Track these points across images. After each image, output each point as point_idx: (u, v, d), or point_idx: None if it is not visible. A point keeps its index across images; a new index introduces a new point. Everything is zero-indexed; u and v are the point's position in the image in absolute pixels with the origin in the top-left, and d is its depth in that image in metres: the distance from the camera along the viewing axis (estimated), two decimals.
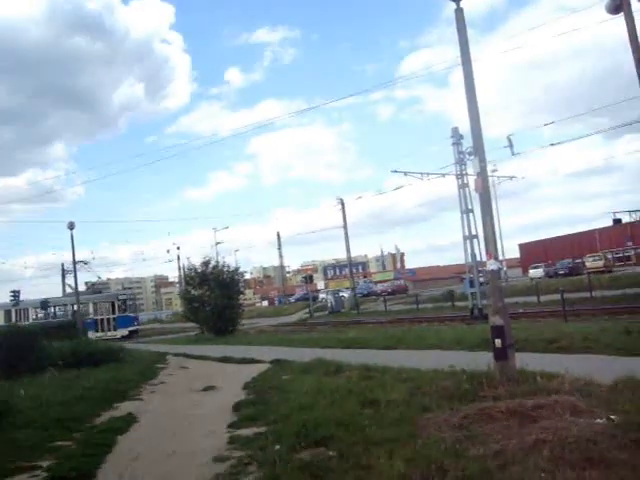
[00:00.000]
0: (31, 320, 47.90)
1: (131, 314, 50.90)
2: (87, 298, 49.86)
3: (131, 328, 48.98)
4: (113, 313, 49.07)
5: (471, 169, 31.20)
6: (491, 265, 10.64)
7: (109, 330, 47.95)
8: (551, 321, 22.57)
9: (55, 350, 20.83)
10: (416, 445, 6.86)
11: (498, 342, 10.08)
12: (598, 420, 6.74)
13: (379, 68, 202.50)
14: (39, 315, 50.75)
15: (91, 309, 49.62)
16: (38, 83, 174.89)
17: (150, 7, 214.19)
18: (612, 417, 6.76)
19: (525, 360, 10.43)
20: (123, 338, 44.71)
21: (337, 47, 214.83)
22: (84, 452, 8.93)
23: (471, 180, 31.82)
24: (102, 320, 48.91)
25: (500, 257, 10.88)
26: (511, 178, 36.71)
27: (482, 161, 10.70)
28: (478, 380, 9.83)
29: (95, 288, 56.87)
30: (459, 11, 10.93)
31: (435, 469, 5.88)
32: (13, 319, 47.99)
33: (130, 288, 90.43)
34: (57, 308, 51.87)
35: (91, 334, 43.60)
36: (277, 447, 7.66)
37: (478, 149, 10.75)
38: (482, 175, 10.70)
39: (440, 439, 6.97)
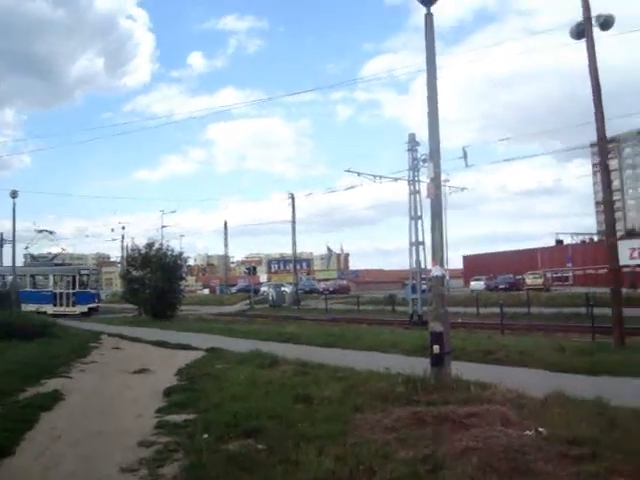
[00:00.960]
0: None
1: (92, 290, 47.90)
2: (47, 270, 48.65)
3: (91, 305, 45.93)
4: (73, 288, 45.85)
5: (424, 176, 31.63)
6: (436, 271, 10.67)
7: (67, 305, 45.24)
8: (489, 333, 22.81)
9: None
10: (346, 444, 6.80)
11: (436, 348, 10.10)
12: (527, 432, 6.78)
13: (342, 68, 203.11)
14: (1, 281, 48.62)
15: (51, 281, 47.28)
16: None
17: None
18: (540, 430, 6.82)
19: (461, 369, 10.47)
20: (82, 315, 42.73)
21: (303, 42, 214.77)
22: (4, 427, 8.57)
23: (423, 187, 32.24)
24: (61, 294, 45.93)
25: (445, 266, 10.89)
26: (462, 189, 37.35)
27: (437, 167, 10.70)
28: (413, 384, 9.81)
29: (57, 260, 52.80)
30: (429, 16, 10.91)
31: (363, 469, 5.84)
32: None
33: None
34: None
35: (49, 308, 42.68)
36: (205, 436, 7.52)
37: (434, 154, 10.74)
38: (435, 181, 10.71)
39: (371, 440, 6.94)
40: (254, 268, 76.51)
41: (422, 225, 32.19)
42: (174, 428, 8.41)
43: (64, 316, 39.53)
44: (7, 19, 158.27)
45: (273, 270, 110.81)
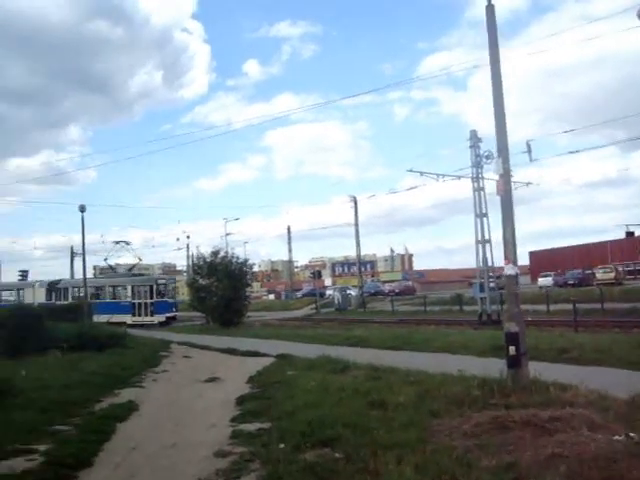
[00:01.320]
0: (70, 299, 46.55)
1: (170, 299, 47.49)
2: (125, 280, 48.53)
3: (169, 314, 45.50)
4: (151, 297, 45.51)
5: (487, 173, 31.11)
6: (509, 270, 10.38)
7: (146, 315, 45.04)
8: (561, 331, 22.17)
9: (60, 332, 20.70)
10: (426, 451, 6.60)
11: (512, 349, 9.83)
12: (617, 437, 6.46)
13: (397, 68, 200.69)
14: (79, 294, 48.16)
15: (129, 292, 46.93)
16: (57, 65, 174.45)
17: None
18: (632, 435, 6.48)
19: (535, 369, 10.15)
20: (160, 324, 42.86)
21: (356, 45, 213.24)
22: (82, 438, 8.75)
23: (487, 184, 31.65)
24: (139, 304, 45.69)
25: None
26: (527, 184, 36.24)
27: (505, 162, 10.43)
28: (489, 387, 9.56)
29: (134, 271, 53.54)
30: (490, 8, 10.65)
31: (446, 479, 5.64)
32: (53, 297, 47.69)
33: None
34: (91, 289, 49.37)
35: (128, 318, 43.52)
36: (281, 445, 7.42)
37: (502, 150, 10.48)
38: (505, 177, 10.43)
39: (451, 447, 6.72)
40: (319, 272, 76.52)
41: (488, 222, 31.65)
42: (249, 437, 8.36)
43: (142, 326, 40.61)
44: (69, 40, 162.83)
45: (337, 273, 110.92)
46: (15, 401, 11.04)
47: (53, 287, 49.92)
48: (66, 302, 45.30)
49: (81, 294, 46.16)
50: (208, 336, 29.49)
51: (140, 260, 55.56)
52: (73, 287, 49.39)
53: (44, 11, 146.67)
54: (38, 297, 48.43)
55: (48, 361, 17.02)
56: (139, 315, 45.17)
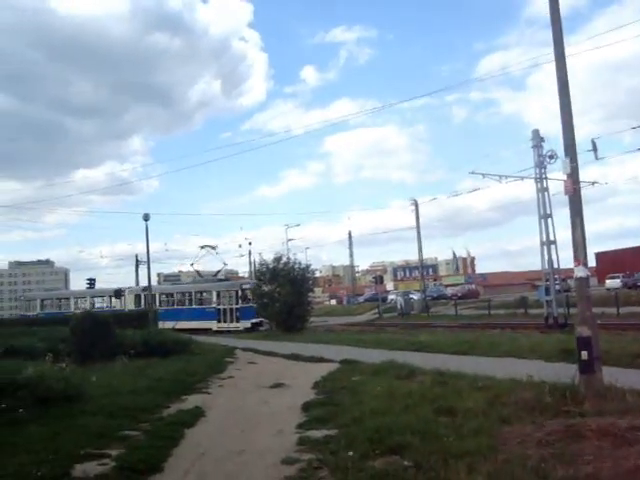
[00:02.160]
0: (158, 305, 46.79)
1: (255, 305, 44.32)
2: (210, 286, 47.40)
3: (254, 320, 42.99)
4: (236, 303, 43.89)
5: (551, 173, 30.44)
6: (579, 272, 10.08)
7: (232, 321, 43.85)
8: (633, 334, 21.47)
9: (127, 338, 21.08)
10: (498, 460, 6.44)
11: (584, 354, 9.54)
12: None
13: (454, 69, 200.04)
14: (167, 299, 49.41)
15: (214, 298, 45.62)
16: (119, 79, 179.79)
17: (229, 5, 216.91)
18: None
19: (609, 375, 9.82)
20: (246, 330, 41.47)
21: (412, 47, 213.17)
22: (152, 444, 8.88)
23: (551, 184, 30.96)
24: (224, 310, 44.49)
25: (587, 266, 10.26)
26: (593, 184, 35.11)
27: (573, 161, 10.16)
28: (561, 393, 9.30)
29: (220, 276, 51.66)
30: (554, 1, 10.37)
31: None
32: (142, 303, 47.50)
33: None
34: (178, 295, 50.02)
35: (213, 324, 43.75)
36: (350, 453, 7.34)
37: (569, 149, 10.22)
38: (573, 176, 10.15)
39: (524, 456, 6.54)
40: (381, 277, 76.10)
41: (552, 223, 30.97)
42: (316, 444, 8.31)
43: (228, 332, 40.71)
44: (130, 53, 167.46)
45: (399, 278, 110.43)
46: (86, 407, 11.27)
47: (142, 293, 49.83)
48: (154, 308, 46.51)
49: (169, 299, 48.66)
50: (272, 342, 29.61)
51: (225, 265, 54.68)
52: (161, 293, 49.59)
53: (105, 26, 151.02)
54: (128, 303, 49.23)
55: (116, 367, 17.31)
56: (224, 321, 44.38)
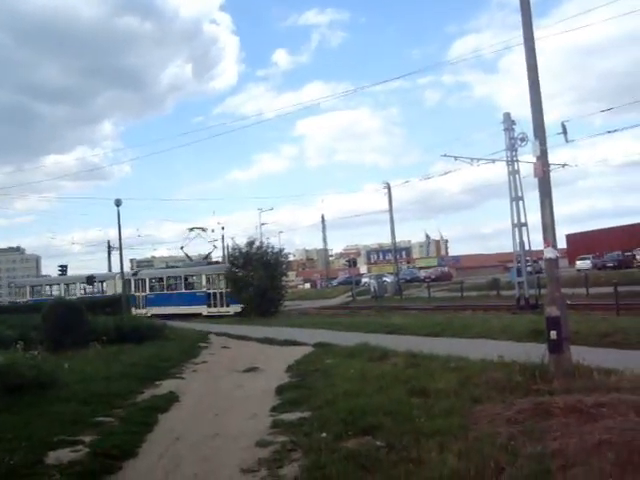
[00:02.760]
0: (148, 290, 46.92)
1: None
2: (200, 270, 45.57)
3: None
4: (226, 287, 41.93)
5: (522, 156, 30.73)
6: (548, 253, 10.20)
7: (222, 306, 42.14)
8: (602, 314, 21.83)
9: (100, 325, 20.97)
10: (469, 439, 6.55)
11: (553, 334, 9.66)
12: None
13: (426, 53, 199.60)
14: (155, 284, 47.96)
15: (204, 282, 44.08)
16: (89, 63, 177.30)
17: None
18: None
19: (577, 354, 9.96)
20: (236, 315, 39.55)
21: (384, 31, 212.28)
22: (126, 429, 8.90)
23: (522, 167, 31.27)
24: (214, 294, 42.83)
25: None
26: (563, 166, 35.33)
27: (542, 144, 10.24)
28: (531, 372, 9.43)
29: (209, 259, 49.52)
30: None
31: (490, 466, 5.56)
32: (132, 288, 46.37)
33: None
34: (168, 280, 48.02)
35: (203, 309, 42.68)
36: (323, 434, 7.40)
37: (539, 131, 10.29)
38: (542, 159, 10.25)
39: (494, 433, 6.64)
40: (354, 260, 76.32)
41: (524, 206, 31.30)
42: (289, 427, 8.37)
43: (219, 317, 39.64)
44: (99, 37, 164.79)
45: (372, 261, 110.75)
46: (59, 394, 11.21)
47: (132, 279, 48.75)
48: (144, 293, 46.61)
49: (157, 284, 47.35)
50: (246, 326, 29.64)
51: (215, 247, 52.55)
52: (151, 278, 48.75)
53: (75, 8, 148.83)
54: (119, 288, 46.46)
55: (89, 354, 17.23)
56: (214, 306, 42.80)
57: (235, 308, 40.74)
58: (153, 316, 41.35)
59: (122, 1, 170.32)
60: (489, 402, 8.28)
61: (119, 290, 45.50)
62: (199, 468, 7.02)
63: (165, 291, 46.63)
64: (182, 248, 49.96)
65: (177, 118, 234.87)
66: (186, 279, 45.89)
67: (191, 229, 49.40)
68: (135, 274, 50.10)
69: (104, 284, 50.38)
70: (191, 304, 42.70)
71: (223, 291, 42.41)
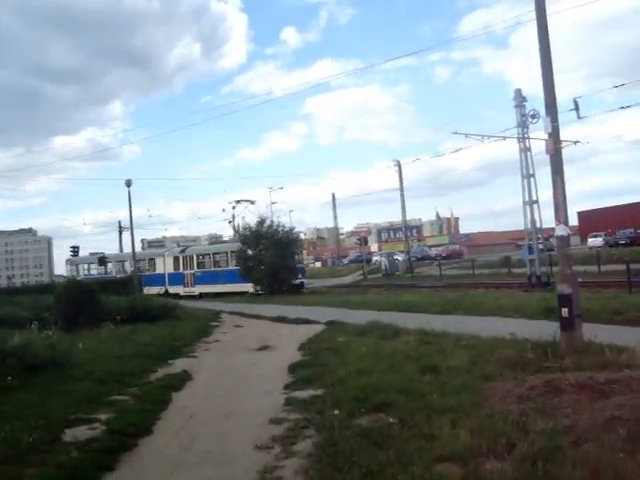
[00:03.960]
0: (195, 267, 44.36)
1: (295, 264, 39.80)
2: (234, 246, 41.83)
3: (295, 281, 39.06)
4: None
5: (534, 133, 30.48)
6: (560, 231, 10.20)
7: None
8: (614, 292, 21.74)
9: (113, 305, 21.15)
10: (480, 415, 6.60)
11: (565, 311, 9.70)
12: None
13: (436, 28, 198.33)
14: (204, 260, 44.83)
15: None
16: (97, 43, 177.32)
17: None
18: None
19: (589, 331, 9.98)
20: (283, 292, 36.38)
21: (394, 7, 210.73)
22: (140, 407, 9.04)
23: (533, 144, 31.03)
24: None
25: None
26: (575, 143, 35.15)
27: (554, 121, 10.20)
28: (542, 350, 9.48)
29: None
30: None
31: (502, 442, 5.62)
32: (181, 266, 45.24)
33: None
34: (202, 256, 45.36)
35: (249, 287, 38.65)
36: (336, 412, 7.48)
37: (550, 108, 10.25)
38: (554, 136, 10.21)
39: (505, 410, 6.71)
40: (365, 239, 76.15)
41: (535, 183, 31.08)
42: (303, 404, 8.45)
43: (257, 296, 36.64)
44: (107, 17, 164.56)
45: (383, 239, 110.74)
46: (74, 373, 11.37)
47: (180, 256, 46.71)
48: (191, 271, 44.65)
49: (205, 260, 44.49)
50: (257, 305, 29.67)
51: (264, 220, 46.75)
52: (198, 254, 46.12)
53: None
54: (168, 266, 46.59)
55: (102, 334, 17.42)
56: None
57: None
58: (202, 295, 41.41)
59: None
60: (501, 379, 8.33)
61: (168, 269, 45.40)
62: (213, 445, 7.12)
63: (212, 268, 43.81)
64: (230, 222, 47.86)
65: (186, 97, 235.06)
66: (232, 255, 42.08)
67: (238, 201, 47.41)
68: (183, 250, 47.58)
69: (152, 262, 48.68)
70: (238, 282, 39.41)
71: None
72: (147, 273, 46.02)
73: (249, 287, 38.77)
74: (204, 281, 42.77)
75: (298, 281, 39.82)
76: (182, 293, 43.40)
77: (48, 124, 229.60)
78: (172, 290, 43.94)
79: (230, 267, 41.66)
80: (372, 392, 8.11)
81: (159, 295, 35.39)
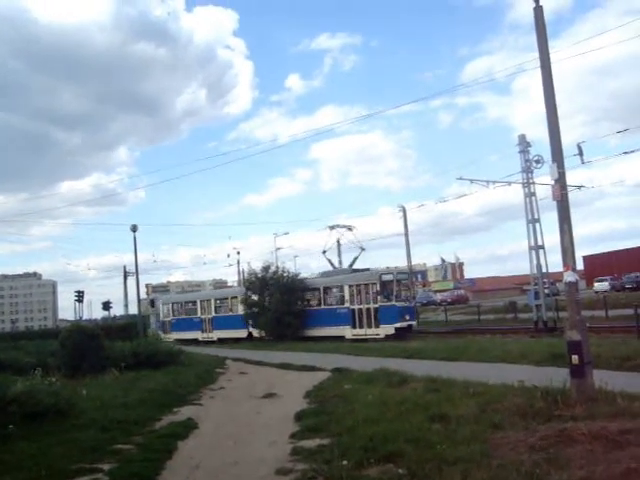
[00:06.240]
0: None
1: (400, 303, 32.86)
2: (341, 280, 35.59)
3: (398, 324, 31.88)
4: (375, 302, 32.80)
5: (538, 177, 30.64)
6: (568, 277, 10.14)
7: (369, 326, 32.76)
8: (622, 337, 21.53)
9: (117, 350, 21.00)
10: (492, 466, 6.46)
11: (575, 358, 9.59)
12: None
13: (439, 75, 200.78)
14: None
15: (347, 294, 34.43)
16: (103, 89, 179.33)
17: (214, 14, 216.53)
18: None
19: (600, 378, 9.84)
20: (388, 337, 31.08)
21: (397, 54, 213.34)
22: (145, 457, 8.88)
23: (538, 189, 31.16)
24: (360, 311, 33.36)
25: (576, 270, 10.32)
26: (580, 187, 35.20)
27: (560, 167, 10.23)
28: (552, 398, 9.32)
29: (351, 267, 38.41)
30: (538, 9, 10.48)
31: None
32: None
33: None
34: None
35: (346, 331, 33.75)
36: (344, 462, 7.33)
37: (556, 154, 10.30)
38: (560, 182, 10.22)
39: (517, 461, 6.56)
40: None
41: (540, 228, 31.12)
42: (310, 454, 8.30)
43: (365, 341, 31.30)
44: (115, 63, 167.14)
45: None
46: (77, 421, 11.26)
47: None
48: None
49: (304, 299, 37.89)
50: (262, 351, 29.48)
51: (363, 249, 39.97)
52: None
53: (89, 35, 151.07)
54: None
55: (106, 380, 17.28)
56: (359, 326, 33.30)
57: (387, 329, 31.87)
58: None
59: (137, 28, 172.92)
60: (511, 428, 8.19)
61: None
62: None
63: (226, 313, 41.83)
64: (324, 252, 40.60)
65: (191, 143, 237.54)
66: (325, 292, 36.73)
67: (332, 227, 40.67)
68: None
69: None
70: (331, 324, 34.64)
71: (371, 307, 32.97)
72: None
73: (345, 330, 33.87)
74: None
75: (401, 324, 32.27)
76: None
77: (55, 169, 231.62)
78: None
79: (321, 307, 36.52)
80: (380, 442, 7.97)
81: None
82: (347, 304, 34.30)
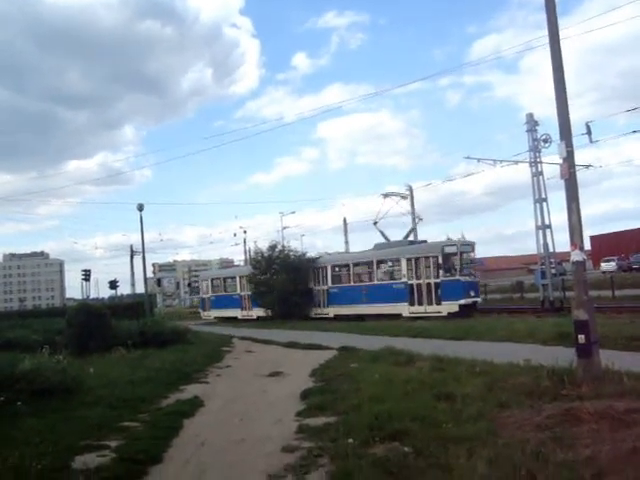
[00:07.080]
0: (330, 283, 36.19)
1: (464, 278, 30.48)
2: (398, 252, 33.02)
3: (463, 301, 29.64)
4: (436, 276, 30.48)
5: (546, 157, 30.48)
6: (576, 256, 10.08)
7: (429, 303, 30.50)
8: (629, 317, 21.47)
9: (123, 329, 21.10)
10: (497, 445, 6.45)
11: (581, 338, 9.55)
12: None
13: (447, 53, 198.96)
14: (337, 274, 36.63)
15: (404, 268, 31.90)
16: (110, 68, 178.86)
17: None
18: None
19: (606, 358, 9.82)
20: (450, 316, 28.77)
21: (404, 32, 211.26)
22: (151, 434, 8.92)
23: (545, 168, 30.99)
24: (419, 286, 30.99)
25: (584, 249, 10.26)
26: (587, 167, 34.94)
27: (569, 145, 10.14)
28: (559, 377, 9.33)
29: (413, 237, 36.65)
30: None
31: (521, 474, 5.47)
32: (312, 281, 37.12)
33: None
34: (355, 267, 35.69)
35: (403, 308, 31.29)
36: (350, 440, 7.32)
37: (565, 132, 10.21)
38: (569, 160, 10.14)
39: (523, 440, 6.55)
40: None
41: (548, 207, 30.96)
42: (315, 432, 8.31)
43: (426, 318, 28.66)
44: (122, 42, 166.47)
45: None
46: (84, 398, 11.31)
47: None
48: (325, 287, 36.66)
49: (341, 274, 36.46)
50: (269, 330, 29.52)
51: (420, 219, 39.12)
52: (333, 266, 36.98)
53: (96, 14, 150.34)
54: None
55: (113, 358, 17.38)
56: (418, 303, 30.96)
57: (450, 307, 29.59)
58: (336, 317, 34.37)
59: (143, 6, 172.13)
60: (517, 407, 8.19)
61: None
62: (225, 474, 7.02)
63: (352, 283, 35.38)
64: (376, 223, 36.91)
65: (198, 122, 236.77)
66: (379, 265, 34.36)
67: (386, 195, 37.53)
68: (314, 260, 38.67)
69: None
70: (386, 301, 32.13)
71: (432, 282, 30.63)
72: None
73: (403, 308, 31.39)
74: (338, 300, 35.68)
75: (465, 300, 30.03)
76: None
77: (62, 149, 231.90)
78: None
79: (375, 282, 33.97)
80: (386, 420, 7.97)
81: None
82: (404, 279, 31.83)
